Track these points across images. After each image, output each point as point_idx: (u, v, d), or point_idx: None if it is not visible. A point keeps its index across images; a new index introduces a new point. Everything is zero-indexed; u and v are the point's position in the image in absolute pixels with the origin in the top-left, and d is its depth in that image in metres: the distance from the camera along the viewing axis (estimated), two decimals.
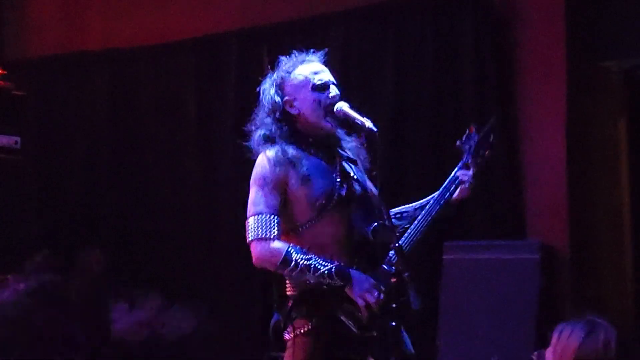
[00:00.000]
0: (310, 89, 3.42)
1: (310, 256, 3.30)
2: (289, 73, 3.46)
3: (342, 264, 3.31)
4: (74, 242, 6.35)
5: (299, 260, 3.29)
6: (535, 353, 3.30)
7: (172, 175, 6.16)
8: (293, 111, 3.43)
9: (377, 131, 3.30)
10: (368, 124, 3.32)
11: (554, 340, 2.94)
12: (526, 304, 4.68)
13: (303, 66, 3.47)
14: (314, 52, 3.52)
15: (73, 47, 6.55)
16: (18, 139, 5.91)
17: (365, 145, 3.40)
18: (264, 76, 3.52)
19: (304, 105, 3.42)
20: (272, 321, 3.40)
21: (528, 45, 5.16)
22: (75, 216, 6.38)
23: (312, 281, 3.29)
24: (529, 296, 4.71)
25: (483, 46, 5.19)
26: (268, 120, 3.45)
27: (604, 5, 5.16)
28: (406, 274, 3.23)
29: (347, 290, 3.29)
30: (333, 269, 3.27)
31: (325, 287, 3.30)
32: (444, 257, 4.94)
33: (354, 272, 3.31)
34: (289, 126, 3.43)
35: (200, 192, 6.03)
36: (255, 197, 3.38)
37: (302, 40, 4.91)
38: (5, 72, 5.99)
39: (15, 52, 6.72)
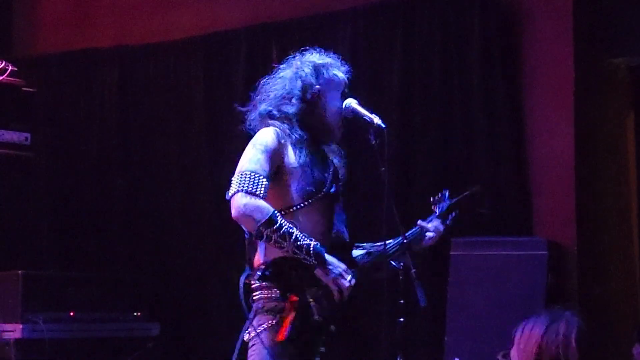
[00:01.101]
0: (340, 94, 3.45)
1: (293, 226, 3.25)
2: (326, 68, 3.45)
3: (321, 245, 3.27)
4: (84, 238, 6.40)
5: (283, 224, 3.22)
6: (501, 353, 3.28)
7: (182, 171, 6.18)
8: (318, 101, 3.42)
9: (385, 128, 3.32)
10: (377, 120, 3.34)
11: (517, 337, 2.91)
12: (533, 301, 4.68)
13: (340, 71, 3.49)
14: (346, 68, 3.53)
15: (83, 44, 6.57)
16: (28, 135, 5.93)
17: (375, 142, 3.36)
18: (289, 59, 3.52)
19: (330, 104, 3.43)
20: (241, 280, 3.29)
21: (536, 42, 5.17)
22: (86, 212, 6.41)
23: (288, 250, 3.22)
24: (536, 293, 4.71)
25: (491, 43, 5.19)
26: (279, 98, 3.41)
27: (612, 2, 5.16)
28: (413, 271, 3.24)
29: (318, 272, 3.25)
30: (312, 246, 3.22)
31: (296, 263, 3.23)
32: (452, 253, 4.94)
33: (329, 257, 3.27)
34: (306, 111, 3.41)
35: (209, 188, 6.05)
36: (252, 156, 3.29)
37: (310, 37, 4.96)
38: (15, 69, 6.00)
39: (25, 48, 6.74)
